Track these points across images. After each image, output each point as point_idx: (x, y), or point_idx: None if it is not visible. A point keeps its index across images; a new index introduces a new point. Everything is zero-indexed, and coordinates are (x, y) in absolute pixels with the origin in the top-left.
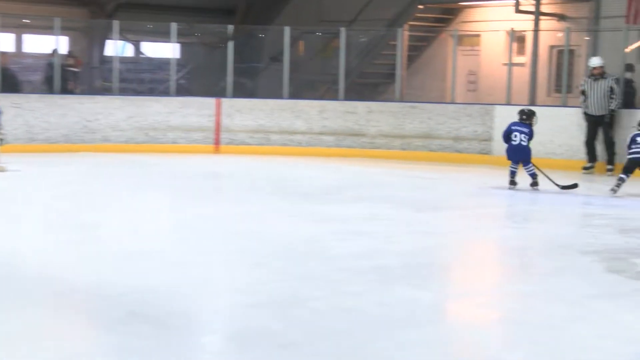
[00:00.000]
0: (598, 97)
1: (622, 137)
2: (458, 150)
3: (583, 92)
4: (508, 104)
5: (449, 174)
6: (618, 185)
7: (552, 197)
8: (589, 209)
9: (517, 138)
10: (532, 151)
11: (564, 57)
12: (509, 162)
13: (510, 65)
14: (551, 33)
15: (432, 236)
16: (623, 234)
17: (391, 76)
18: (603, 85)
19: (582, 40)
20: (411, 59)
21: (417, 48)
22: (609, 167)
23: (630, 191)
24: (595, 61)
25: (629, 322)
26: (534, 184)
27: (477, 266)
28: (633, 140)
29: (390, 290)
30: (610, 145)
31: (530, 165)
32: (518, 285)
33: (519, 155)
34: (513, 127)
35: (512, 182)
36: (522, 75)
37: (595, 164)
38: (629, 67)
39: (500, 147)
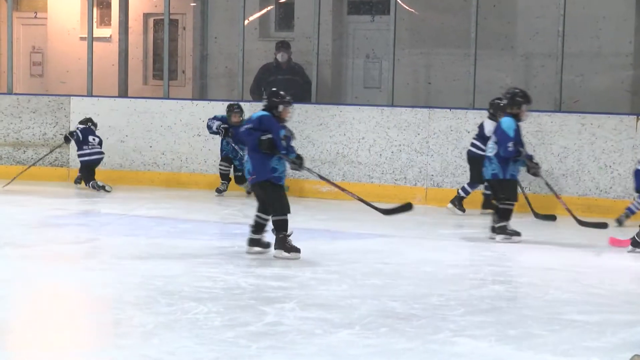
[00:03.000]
0: None
1: None
2: (20, 161)
3: None
4: (90, 95)
5: (12, 198)
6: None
7: (151, 224)
8: (202, 239)
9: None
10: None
11: (164, 30)
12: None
13: (92, 40)
14: None
15: None
16: (245, 275)
17: None
18: None
19: (187, 6)
20: None
21: None
22: None
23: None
24: None
25: None
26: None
27: (51, 327)
28: None
29: None
30: None
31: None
32: (110, 352)
33: None
34: None
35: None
36: (108, 54)
37: None
38: (277, 45)
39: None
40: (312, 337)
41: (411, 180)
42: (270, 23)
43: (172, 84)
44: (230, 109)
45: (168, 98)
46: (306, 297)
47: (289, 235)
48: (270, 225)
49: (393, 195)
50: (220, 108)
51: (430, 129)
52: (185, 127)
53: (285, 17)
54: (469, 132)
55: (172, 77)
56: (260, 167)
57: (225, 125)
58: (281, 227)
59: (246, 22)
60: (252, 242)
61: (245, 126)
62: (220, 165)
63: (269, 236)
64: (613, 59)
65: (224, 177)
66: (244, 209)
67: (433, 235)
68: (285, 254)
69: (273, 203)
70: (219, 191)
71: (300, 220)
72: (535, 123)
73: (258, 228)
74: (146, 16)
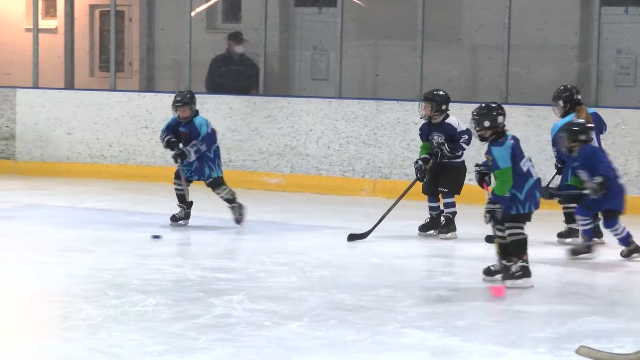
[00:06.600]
0: None
1: None
2: None
3: None
4: (36, 87)
5: None
6: None
7: (99, 217)
8: (149, 232)
9: None
10: None
11: (110, 22)
12: None
13: (37, 31)
14: None
15: None
16: (194, 267)
17: None
18: None
19: None
20: None
21: None
22: None
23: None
24: None
25: None
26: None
27: None
28: None
29: None
30: None
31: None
32: (58, 346)
33: None
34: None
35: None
36: (54, 46)
37: None
38: (235, 37)
39: (27, 149)
40: (261, 329)
41: (359, 172)
42: (217, 15)
43: (119, 75)
44: (174, 104)
45: (115, 90)
46: (255, 289)
47: None
48: None
49: (341, 187)
50: (167, 100)
51: (378, 121)
52: (133, 119)
53: (232, 8)
54: (416, 124)
55: (119, 69)
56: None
57: (172, 139)
58: None
59: (193, 13)
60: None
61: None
62: (174, 183)
63: None
64: (559, 52)
65: (180, 199)
66: (194, 203)
67: (381, 226)
68: None
69: None
70: (175, 219)
71: (249, 212)
72: None
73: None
74: (92, 7)
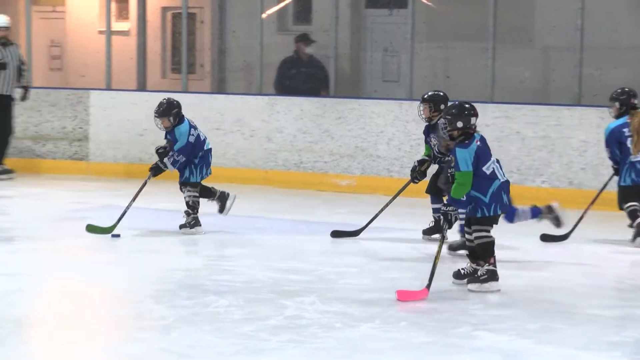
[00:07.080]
0: (12, 69)
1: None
2: (40, 154)
3: (3, 66)
4: (109, 88)
5: (30, 191)
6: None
7: (171, 218)
8: (221, 233)
9: None
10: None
11: (182, 24)
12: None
13: (110, 33)
14: None
15: (5, 280)
16: (264, 268)
17: None
18: (14, 53)
19: (205, 0)
20: None
21: None
22: None
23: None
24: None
25: None
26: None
27: (71, 321)
28: None
29: None
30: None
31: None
32: (130, 346)
33: None
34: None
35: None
36: (126, 48)
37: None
38: (304, 38)
39: (101, 150)
40: (333, 331)
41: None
42: (288, 17)
43: (191, 77)
44: (154, 113)
45: (187, 92)
46: (326, 290)
47: None
48: None
49: (412, 189)
50: (238, 102)
51: None
52: (204, 120)
53: (303, 10)
54: (487, 126)
55: (191, 70)
56: None
57: (160, 150)
58: None
59: (264, 15)
60: None
61: None
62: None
63: None
64: (632, 53)
65: (206, 194)
66: (264, 204)
67: (452, 229)
68: None
69: None
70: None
71: (320, 214)
72: (554, 117)
73: None
74: (164, 10)
